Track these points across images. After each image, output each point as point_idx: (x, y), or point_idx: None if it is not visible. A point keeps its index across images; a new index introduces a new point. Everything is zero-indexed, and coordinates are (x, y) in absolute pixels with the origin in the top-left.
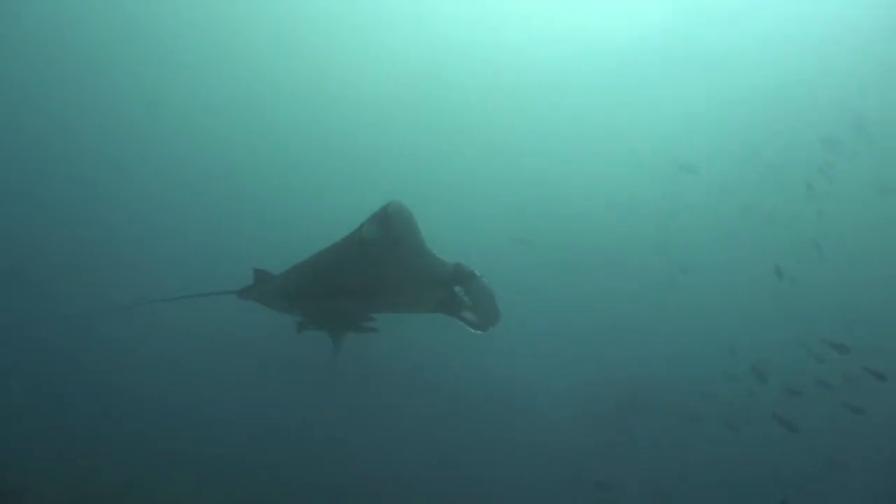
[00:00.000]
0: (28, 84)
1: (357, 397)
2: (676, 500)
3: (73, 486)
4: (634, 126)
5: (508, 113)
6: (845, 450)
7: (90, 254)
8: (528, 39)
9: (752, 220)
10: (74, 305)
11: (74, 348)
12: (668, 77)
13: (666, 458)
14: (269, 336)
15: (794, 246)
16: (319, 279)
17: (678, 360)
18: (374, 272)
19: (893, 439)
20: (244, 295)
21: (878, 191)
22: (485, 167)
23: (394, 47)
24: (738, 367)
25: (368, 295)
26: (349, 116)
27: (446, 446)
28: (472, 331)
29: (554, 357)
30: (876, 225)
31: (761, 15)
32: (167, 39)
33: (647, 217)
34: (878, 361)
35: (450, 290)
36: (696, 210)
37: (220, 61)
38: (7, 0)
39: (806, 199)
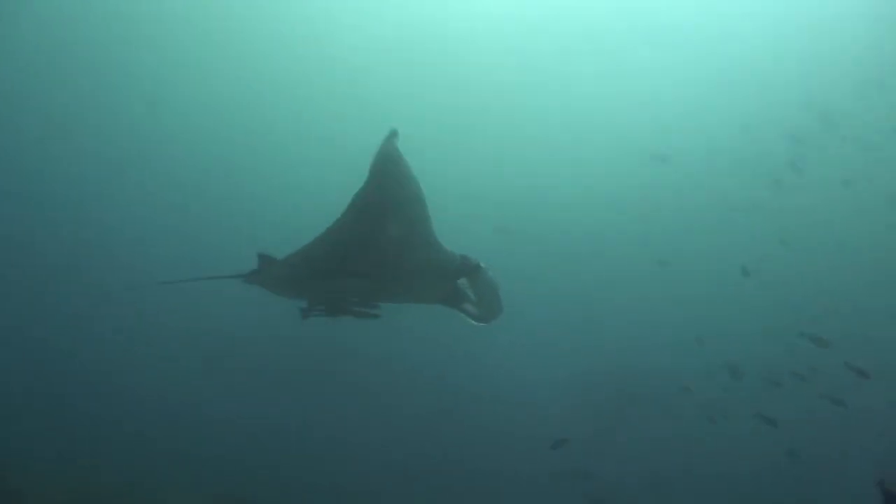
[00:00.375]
0: (28, 83)
1: (354, 394)
2: (664, 490)
3: (73, 486)
4: (611, 116)
5: (488, 102)
6: (822, 442)
7: (90, 253)
8: (506, 29)
9: (726, 212)
10: (74, 305)
11: (74, 348)
12: (643, 69)
13: (648, 449)
14: (268, 336)
15: (768, 238)
16: (327, 256)
17: (656, 352)
18: (381, 249)
19: (868, 431)
20: (250, 279)
21: (842, 183)
22: (465, 156)
23: (368, 34)
24: (713, 359)
25: (376, 276)
26: (342, 111)
27: (435, 439)
28: (474, 323)
29: (533, 348)
30: (840, 217)
31: (733, 12)
32: (165, 38)
33: (626, 207)
34: (854, 354)
35: (454, 282)
36: (672, 201)
37: (218, 55)
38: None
39: (775, 192)
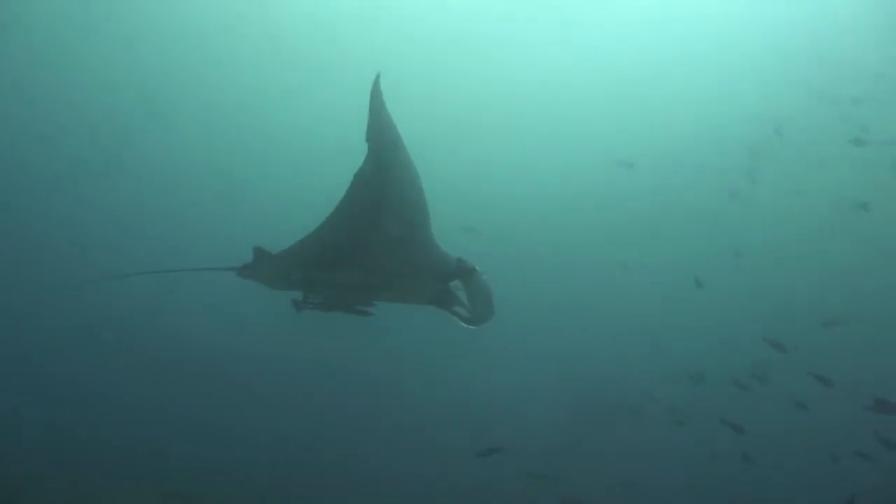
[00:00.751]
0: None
1: (333, 404)
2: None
3: (73, 486)
4: (577, 122)
5: (455, 104)
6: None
7: (90, 252)
8: (477, 33)
9: (685, 219)
10: (75, 302)
11: (74, 348)
12: (612, 78)
13: (613, 454)
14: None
15: (726, 245)
16: (325, 246)
17: (619, 357)
18: (380, 238)
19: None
20: (244, 273)
21: (793, 193)
22: (432, 155)
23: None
24: (673, 366)
25: (371, 271)
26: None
27: (403, 446)
28: (464, 325)
29: (496, 352)
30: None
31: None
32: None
33: (591, 211)
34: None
35: (447, 284)
36: (635, 207)
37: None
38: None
39: (730, 201)
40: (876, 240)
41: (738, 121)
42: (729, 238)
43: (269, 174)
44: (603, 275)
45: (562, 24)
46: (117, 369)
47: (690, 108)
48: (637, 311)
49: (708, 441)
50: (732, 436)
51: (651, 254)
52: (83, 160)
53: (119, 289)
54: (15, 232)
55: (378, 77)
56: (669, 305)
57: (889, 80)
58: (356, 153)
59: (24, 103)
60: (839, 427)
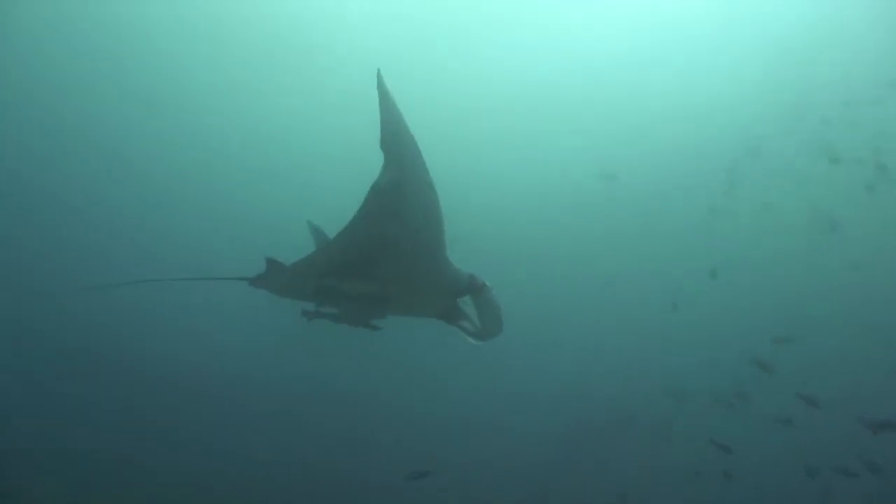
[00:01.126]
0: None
1: (330, 417)
2: None
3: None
4: (559, 135)
5: (438, 112)
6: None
7: (89, 253)
8: (459, 44)
9: (664, 236)
10: (74, 304)
11: (75, 348)
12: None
13: (603, 470)
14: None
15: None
16: (341, 257)
17: (604, 375)
18: (396, 250)
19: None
20: (256, 283)
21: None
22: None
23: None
24: (660, 383)
25: (386, 281)
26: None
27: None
28: (471, 341)
29: (485, 370)
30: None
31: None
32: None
33: (574, 225)
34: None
35: (456, 299)
36: (618, 221)
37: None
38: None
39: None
40: (849, 256)
41: (716, 139)
42: (708, 255)
43: (274, 179)
44: (587, 290)
45: (545, 32)
46: (107, 380)
47: (669, 126)
48: (620, 328)
49: (693, 458)
50: (717, 453)
51: (634, 269)
52: (84, 159)
53: (116, 297)
54: (12, 235)
55: (381, 76)
56: (651, 323)
57: (855, 105)
58: (365, 157)
59: (25, 103)
60: (823, 445)
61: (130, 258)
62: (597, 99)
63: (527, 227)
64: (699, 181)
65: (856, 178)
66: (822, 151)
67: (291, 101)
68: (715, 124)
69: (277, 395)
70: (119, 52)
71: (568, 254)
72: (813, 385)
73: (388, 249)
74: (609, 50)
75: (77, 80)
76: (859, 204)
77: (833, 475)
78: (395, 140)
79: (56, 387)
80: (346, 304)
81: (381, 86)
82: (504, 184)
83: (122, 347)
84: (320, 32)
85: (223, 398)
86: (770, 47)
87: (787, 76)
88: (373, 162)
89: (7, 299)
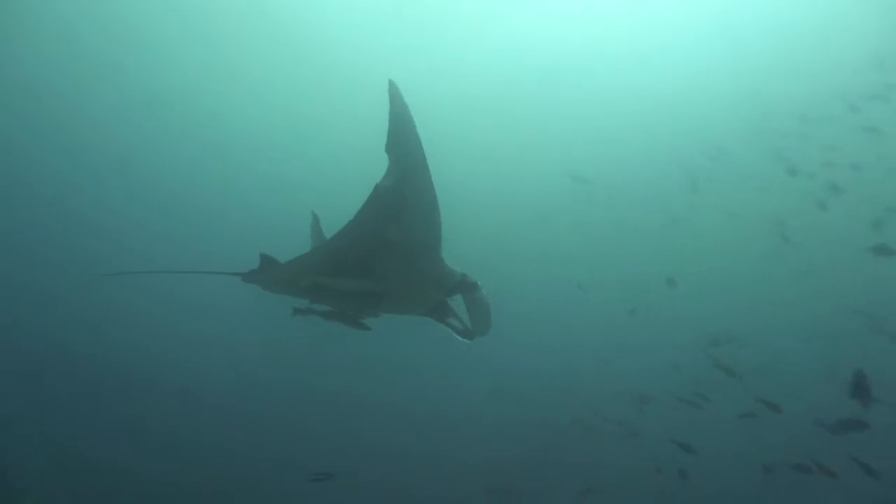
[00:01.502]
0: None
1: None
2: None
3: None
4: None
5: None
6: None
7: (89, 255)
8: (438, 46)
9: (629, 241)
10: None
11: (75, 348)
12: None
13: (569, 469)
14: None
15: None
16: (338, 255)
17: (568, 377)
18: (395, 247)
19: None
20: (249, 279)
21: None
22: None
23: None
24: (625, 384)
25: (382, 281)
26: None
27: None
28: (460, 339)
29: (451, 369)
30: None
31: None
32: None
33: (541, 226)
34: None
35: (445, 297)
36: (592, 224)
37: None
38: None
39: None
40: (801, 263)
41: (679, 148)
42: (668, 260)
43: (269, 178)
44: (554, 292)
45: (515, 36)
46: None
47: (637, 133)
48: (587, 331)
49: (654, 455)
50: (678, 452)
51: (601, 273)
52: (82, 160)
53: (112, 295)
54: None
55: (394, 85)
56: (615, 327)
57: (810, 121)
58: (365, 156)
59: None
60: (777, 443)
61: (126, 254)
62: (563, 99)
63: (498, 228)
64: (663, 188)
65: (808, 189)
66: (778, 162)
67: (291, 100)
68: (678, 130)
69: (255, 388)
70: (118, 47)
71: (537, 255)
72: (765, 387)
73: (386, 250)
74: (581, 53)
75: (72, 68)
76: (810, 214)
77: (788, 471)
78: (400, 147)
79: (51, 385)
80: (340, 301)
81: (393, 96)
82: (475, 184)
83: (115, 344)
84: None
85: (216, 395)
86: (734, 58)
87: (747, 87)
88: (374, 161)
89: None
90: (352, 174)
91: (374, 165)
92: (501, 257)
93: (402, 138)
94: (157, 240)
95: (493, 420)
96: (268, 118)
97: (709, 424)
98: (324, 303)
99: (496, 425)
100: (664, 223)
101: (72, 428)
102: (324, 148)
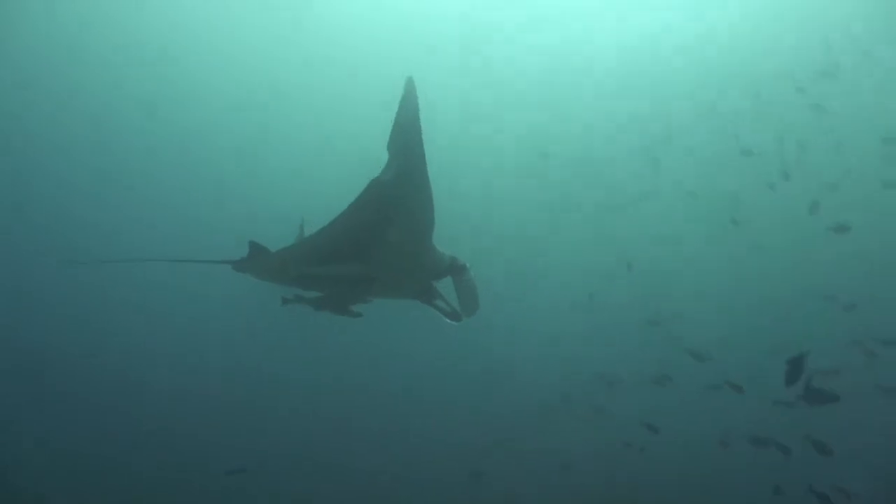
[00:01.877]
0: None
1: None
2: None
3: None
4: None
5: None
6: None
7: (84, 250)
8: (418, 37)
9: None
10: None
11: (75, 348)
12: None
13: (539, 451)
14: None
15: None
16: (330, 244)
17: (534, 361)
18: (390, 232)
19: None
20: (239, 267)
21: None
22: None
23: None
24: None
25: (372, 268)
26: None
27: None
28: (448, 321)
29: (423, 354)
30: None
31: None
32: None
33: (506, 207)
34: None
35: (436, 280)
36: (553, 209)
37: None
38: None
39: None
40: (756, 247)
41: (636, 128)
42: (626, 244)
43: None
44: (524, 278)
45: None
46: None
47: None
48: (553, 316)
49: (621, 435)
50: (643, 430)
51: (565, 260)
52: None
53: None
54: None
55: (412, 83)
56: (578, 313)
57: (763, 100)
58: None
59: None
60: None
61: (124, 250)
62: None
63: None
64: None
65: (760, 169)
66: (732, 141)
67: (291, 100)
68: (634, 108)
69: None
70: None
71: (505, 242)
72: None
73: (379, 241)
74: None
75: (70, 68)
76: (762, 193)
77: (744, 445)
78: (402, 144)
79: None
80: (331, 287)
81: (407, 93)
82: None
83: (110, 339)
84: None
85: (211, 389)
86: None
87: (698, 72)
88: (374, 160)
89: None
90: (346, 169)
91: (373, 165)
92: (465, 241)
93: (406, 136)
94: (154, 235)
95: (471, 405)
96: (260, 109)
97: (672, 403)
98: (314, 290)
99: (469, 410)
100: (621, 202)
101: (71, 428)
102: (318, 140)
